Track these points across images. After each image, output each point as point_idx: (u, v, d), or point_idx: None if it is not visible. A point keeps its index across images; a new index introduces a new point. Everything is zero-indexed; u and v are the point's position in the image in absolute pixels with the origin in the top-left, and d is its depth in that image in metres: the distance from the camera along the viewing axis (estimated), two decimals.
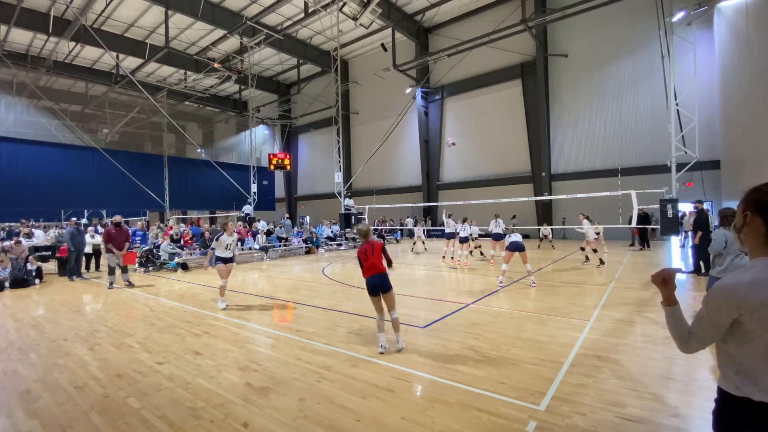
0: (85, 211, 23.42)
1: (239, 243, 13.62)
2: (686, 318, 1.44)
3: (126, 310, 6.80)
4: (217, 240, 6.73)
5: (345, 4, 15.61)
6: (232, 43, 21.58)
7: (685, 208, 13.80)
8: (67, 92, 28.51)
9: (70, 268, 10.46)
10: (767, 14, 11.35)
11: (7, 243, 10.31)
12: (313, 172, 32.14)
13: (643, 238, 14.42)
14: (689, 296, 6.88)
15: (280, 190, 31.63)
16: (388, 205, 22.04)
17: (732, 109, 14.12)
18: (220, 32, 20.71)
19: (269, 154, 22.66)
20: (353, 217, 18.28)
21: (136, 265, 12.14)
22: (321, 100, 28.12)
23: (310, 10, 18.23)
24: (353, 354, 4.25)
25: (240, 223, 17.16)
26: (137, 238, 15.68)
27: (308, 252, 16.69)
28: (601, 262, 10.44)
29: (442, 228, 13.44)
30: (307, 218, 25.15)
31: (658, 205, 11.57)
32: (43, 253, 12.32)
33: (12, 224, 18.94)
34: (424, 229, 17.39)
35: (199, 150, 33.34)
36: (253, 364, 4.03)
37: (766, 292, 1.19)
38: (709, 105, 15.13)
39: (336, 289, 8.34)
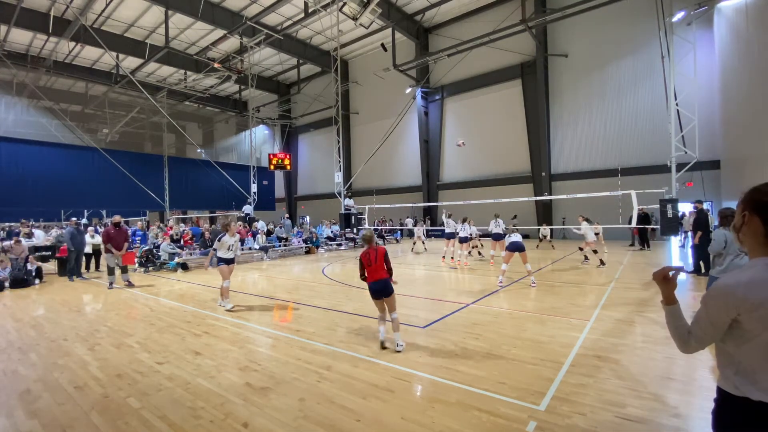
0: (85, 211, 23.42)
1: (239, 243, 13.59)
2: (686, 318, 1.44)
3: (126, 310, 6.80)
4: (219, 241, 6.68)
5: (345, 4, 15.61)
6: (232, 43, 21.58)
7: (685, 208, 13.80)
8: (67, 92, 28.51)
9: (70, 268, 10.46)
10: (767, 14, 11.36)
11: (7, 243, 10.31)
12: (313, 172, 32.14)
13: (643, 238, 14.42)
14: (689, 296, 6.88)
15: (280, 190, 31.63)
16: (388, 205, 22.05)
17: (732, 109, 14.12)
18: (220, 32, 20.71)
19: (269, 154, 22.66)
20: (353, 217, 18.28)
21: (136, 265, 12.14)
22: (321, 100, 28.13)
23: (310, 10, 18.23)
24: (353, 354, 4.25)
25: (240, 223, 17.16)
26: (137, 238, 15.70)
27: (308, 252, 16.69)
28: (602, 262, 10.43)
29: (442, 228, 13.45)
30: (307, 218, 25.15)
31: (658, 205, 11.57)
32: (43, 253, 12.32)
33: (12, 224, 18.95)
34: (423, 229, 17.40)
35: (199, 150, 33.33)
36: (253, 364, 4.03)
37: (764, 291, 1.19)
38: (709, 105, 15.13)
39: (336, 289, 8.34)
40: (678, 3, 13.89)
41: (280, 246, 16.08)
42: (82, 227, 12.43)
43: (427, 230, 17.67)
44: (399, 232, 23.01)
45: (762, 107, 11.55)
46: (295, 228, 20.06)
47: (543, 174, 20.00)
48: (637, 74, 17.58)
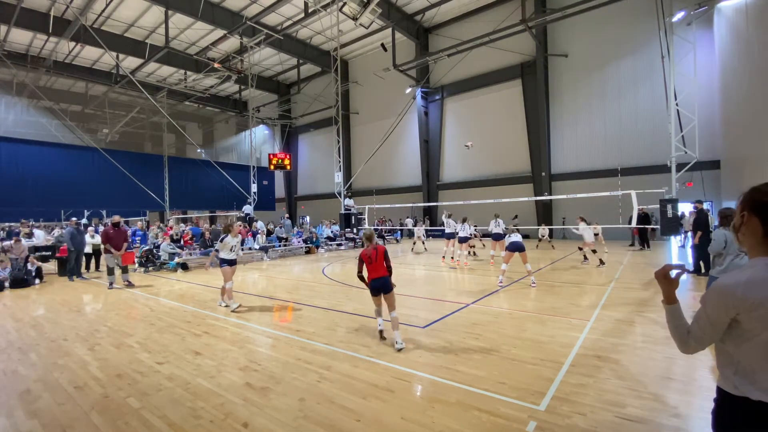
0: (85, 211, 23.41)
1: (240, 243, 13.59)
2: (687, 318, 1.44)
3: (126, 310, 6.80)
4: (221, 242, 6.64)
5: (345, 4, 15.61)
6: (232, 43, 21.58)
7: (685, 208, 13.79)
8: (67, 92, 28.50)
9: (70, 268, 10.46)
10: (767, 14, 11.36)
11: (7, 243, 10.31)
12: (313, 172, 32.14)
13: (643, 238, 14.42)
14: (689, 296, 6.88)
15: (280, 190, 31.63)
16: (388, 205, 22.05)
17: (732, 109, 14.12)
18: (220, 32, 20.71)
19: (269, 154, 22.66)
20: (353, 217, 18.28)
21: (136, 265, 12.15)
22: (321, 100, 28.13)
23: (310, 10, 18.23)
24: (353, 354, 4.25)
25: (240, 223, 17.17)
26: (137, 238, 15.69)
27: (308, 252, 16.69)
28: (601, 262, 10.46)
29: (441, 228, 13.45)
30: (307, 218, 25.16)
31: (658, 205, 11.57)
32: (43, 253, 12.33)
33: (12, 224, 18.95)
34: (424, 229, 17.39)
35: (199, 150, 33.34)
36: (253, 364, 4.03)
37: (763, 291, 1.19)
38: (709, 105, 15.13)
39: (336, 289, 8.34)
40: (678, 3, 13.89)
41: (280, 246, 16.08)
42: (82, 227, 12.43)
43: (426, 230, 17.67)
44: (399, 232, 23.01)
45: (762, 107, 11.54)
46: (295, 228, 20.06)
47: (543, 174, 20.00)
48: (637, 74, 17.58)
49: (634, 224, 11.28)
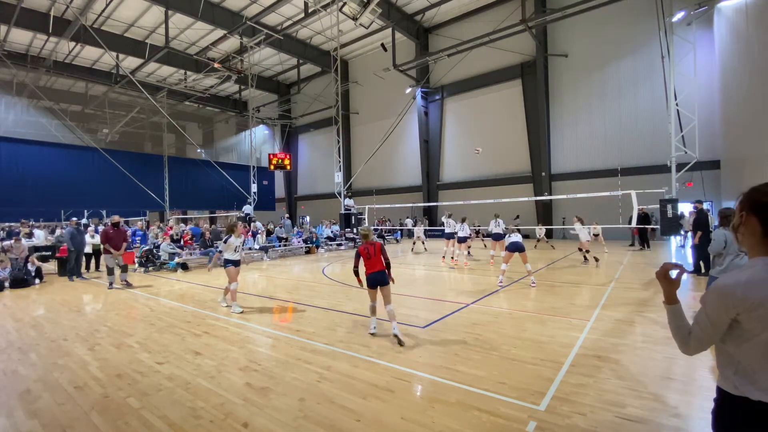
0: (85, 211, 23.42)
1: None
2: (688, 319, 1.44)
3: (126, 310, 6.80)
4: (225, 243, 6.56)
5: (345, 4, 15.61)
6: (232, 43, 21.59)
7: (685, 208, 13.79)
8: (67, 92, 28.51)
9: (70, 268, 10.46)
10: (767, 14, 11.36)
11: (7, 243, 10.31)
12: (313, 172, 32.14)
13: (643, 238, 14.42)
14: (689, 296, 6.88)
15: (280, 190, 31.63)
16: (388, 205, 22.05)
17: (732, 109, 14.12)
18: (220, 32, 20.71)
19: (269, 154, 22.65)
20: (353, 217, 18.28)
21: (136, 265, 12.15)
22: (321, 100, 28.13)
23: (310, 10, 18.23)
24: (353, 354, 4.25)
25: (241, 223, 17.15)
26: (137, 238, 15.69)
27: (308, 252, 16.69)
28: (595, 259, 10.71)
29: (440, 228, 13.44)
30: (307, 218, 25.15)
31: (658, 205, 11.57)
32: (43, 253, 12.33)
33: (12, 224, 18.94)
34: (424, 229, 17.39)
35: (199, 150, 33.34)
36: (253, 364, 4.03)
37: (763, 291, 1.19)
38: (709, 105, 15.13)
39: (336, 289, 8.34)
40: (678, 3, 13.89)
41: (280, 246, 16.08)
42: (82, 227, 12.43)
43: (425, 230, 17.67)
44: (399, 232, 23.01)
45: (762, 107, 11.54)
46: (295, 228, 20.05)
47: (543, 174, 20.00)
48: (637, 74, 17.58)
49: (634, 224, 11.29)
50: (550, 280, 8.59)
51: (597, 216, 15.31)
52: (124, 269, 9.14)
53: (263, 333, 5.21)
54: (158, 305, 7.09)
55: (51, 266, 12.45)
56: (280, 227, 17.40)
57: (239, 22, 18.83)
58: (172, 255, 12.18)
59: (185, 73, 25.49)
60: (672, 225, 11.33)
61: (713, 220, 9.82)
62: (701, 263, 8.77)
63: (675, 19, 13.03)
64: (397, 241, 22.24)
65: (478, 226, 18.49)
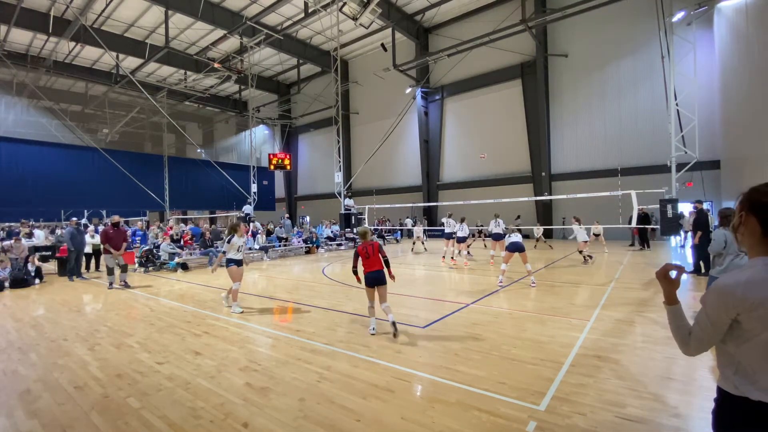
0: (85, 211, 23.42)
1: None
2: (689, 319, 1.44)
3: (126, 310, 6.80)
4: (229, 242, 6.49)
5: (345, 4, 15.61)
6: (232, 43, 21.58)
7: (685, 208, 13.79)
8: (67, 92, 28.51)
9: (70, 268, 10.46)
10: (767, 14, 11.36)
11: (7, 243, 10.32)
12: (313, 172, 32.14)
13: (643, 238, 14.42)
14: (689, 296, 6.88)
15: (280, 190, 31.63)
16: (388, 205, 22.05)
17: (732, 109, 14.12)
18: (220, 32, 20.71)
19: (269, 154, 22.65)
20: (353, 217, 18.28)
21: (136, 265, 12.15)
22: (321, 100, 28.13)
23: (310, 10, 18.23)
24: (353, 354, 4.25)
25: (242, 222, 17.15)
26: (137, 238, 15.69)
27: (308, 252, 16.69)
28: (589, 257, 11.00)
29: (440, 228, 13.44)
30: (307, 218, 25.14)
31: (658, 205, 11.58)
32: (43, 253, 12.33)
33: (12, 224, 18.94)
34: (423, 229, 17.39)
35: (199, 150, 33.34)
36: (253, 364, 4.03)
37: (763, 291, 1.19)
38: (709, 105, 15.13)
39: (336, 289, 8.34)
40: (678, 3, 13.89)
41: (280, 246, 16.08)
42: (82, 227, 12.43)
43: (424, 230, 17.68)
44: (399, 232, 23.01)
45: (762, 107, 11.54)
46: (295, 228, 20.05)
47: (543, 174, 20.00)
48: (637, 74, 17.58)
49: (634, 224, 11.29)
50: (550, 280, 8.59)
51: (597, 216, 15.29)
52: (123, 269, 9.11)
53: (263, 333, 5.21)
54: (158, 305, 7.09)
55: (51, 266, 12.46)
56: (280, 227, 17.40)
57: (239, 22, 18.83)
58: (172, 255, 12.18)
59: (185, 73, 25.49)
60: (672, 225, 11.33)
61: (713, 220, 9.82)
62: (701, 263, 8.77)
63: (675, 19, 13.03)
64: (397, 241, 22.24)
65: (481, 225, 18.52)
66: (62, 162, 18.11)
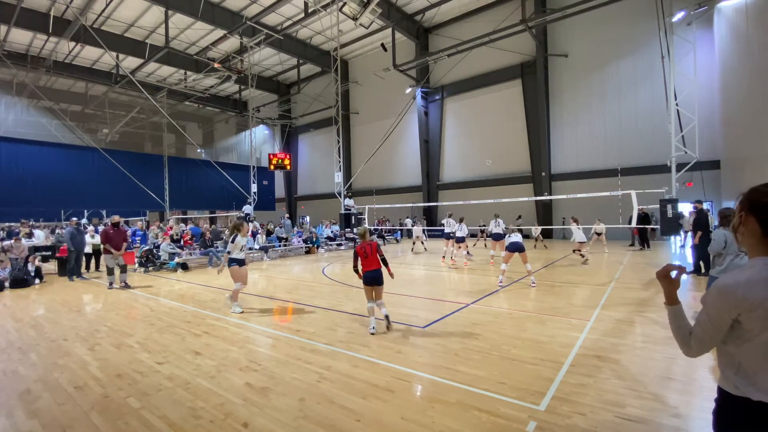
0: (85, 211, 23.42)
1: None
2: (689, 320, 1.43)
3: (126, 310, 6.80)
4: (233, 242, 6.44)
5: (345, 4, 15.61)
6: (232, 43, 21.58)
7: (685, 208, 13.78)
8: (67, 92, 28.51)
9: (70, 268, 10.46)
10: (767, 14, 11.36)
11: (7, 243, 10.31)
12: (313, 172, 32.14)
13: (643, 238, 14.42)
14: (689, 296, 6.88)
15: (280, 190, 31.64)
16: (388, 205, 22.05)
17: (732, 109, 14.12)
18: (220, 32, 20.71)
19: (269, 154, 22.65)
20: (353, 217, 18.28)
21: (136, 265, 12.15)
22: (321, 100, 28.13)
23: (310, 10, 18.23)
24: (353, 354, 4.25)
25: (245, 222, 17.12)
26: (137, 238, 15.69)
27: (308, 252, 16.69)
28: (581, 256, 11.20)
29: (439, 228, 13.44)
30: (307, 218, 25.14)
31: (658, 205, 11.57)
32: (43, 253, 12.33)
33: (12, 224, 18.95)
34: (423, 229, 17.38)
35: (199, 150, 33.34)
36: (253, 364, 4.03)
37: (763, 291, 1.19)
38: (709, 105, 15.13)
39: (336, 289, 8.34)
40: (678, 3, 13.89)
41: (280, 246, 16.08)
42: (82, 227, 12.43)
43: (423, 230, 17.67)
44: (399, 232, 23.01)
45: (762, 107, 11.55)
46: (295, 228, 20.05)
47: (543, 174, 20.00)
48: (637, 74, 17.58)
49: (634, 224, 11.29)
50: (550, 280, 8.59)
51: (597, 216, 15.26)
52: (123, 269, 9.05)
53: (263, 333, 5.21)
54: (158, 305, 7.09)
55: (51, 266, 12.46)
56: (280, 227, 17.40)
57: (239, 22, 18.82)
58: (172, 255, 12.18)
59: (185, 73, 25.49)
60: (672, 225, 11.33)
61: (713, 220, 9.82)
62: (701, 263, 8.76)
63: (675, 19, 13.03)
64: (397, 241, 22.24)
65: (483, 225, 18.55)
66: (62, 162, 18.11)
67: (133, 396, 3.37)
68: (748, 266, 1.29)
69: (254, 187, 21.16)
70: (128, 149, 26.31)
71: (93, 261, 12.04)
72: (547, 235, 19.53)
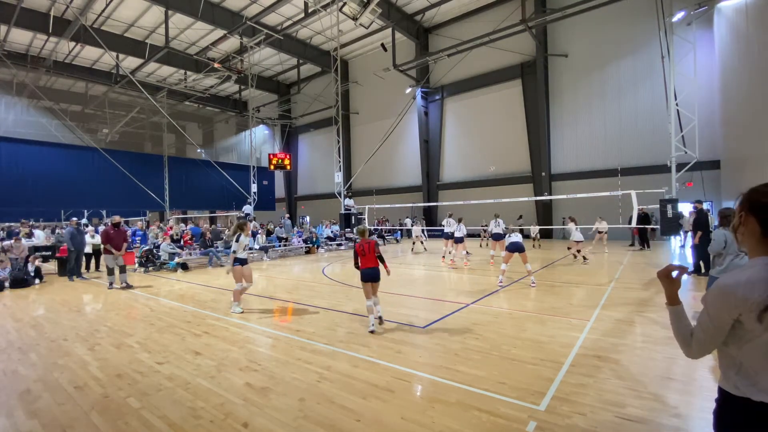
0: (85, 211, 23.42)
1: None
2: (690, 320, 1.43)
3: (126, 310, 6.80)
4: (237, 242, 6.42)
5: (345, 4, 15.61)
6: (232, 43, 21.58)
7: (685, 208, 13.77)
8: (67, 92, 28.51)
9: (70, 268, 10.46)
10: (767, 14, 11.36)
11: (7, 243, 10.31)
12: (313, 172, 32.14)
13: (643, 238, 14.42)
14: (689, 296, 6.87)
15: (280, 190, 31.63)
16: (388, 205, 22.05)
17: (732, 109, 14.12)
18: (220, 32, 20.71)
19: (269, 154, 22.64)
20: (353, 217, 18.28)
21: (136, 265, 12.15)
22: (321, 100, 28.13)
23: (310, 10, 18.23)
24: (353, 354, 4.25)
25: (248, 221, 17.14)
26: (137, 238, 15.69)
27: (308, 252, 16.69)
28: (574, 256, 11.37)
29: (438, 228, 13.44)
30: (307, 218, 25.13)
31: (658, 205, 11.57)
32: (43, 253, 12.33)
33: (12, 224, 18.95)
34: (423, 229, 17.38)
35: (199, 150, 33.34)
36: (253, 364, 4.03)
37: (764, 290, 1.19)
38: (709, 105, 15.13)
39: (336, 289, 8.34)
40: (678, 3, 13.89)
41: (280, 246, 16.08)
42: (82, 227, 12.43)
43: (422, 230, 17.67)
44: (399, 232, 23.01)
45: (762, 107, 11.55)
46: (295, 228, 20.05)
47: (543, 174, 20.00)
48: (637, 74, 17.58)
49: (634, 224, 11.29)
50: (550, 280, 8.59)
51: (598, 215, 15.23)
52: (122, 270, 9.01)
53: (263, 333, 5.21)
54: (158, 305, 7.09)
55: (51, 266, 12.46)
56: (280, 227, 17.40)
57: (239, 22, 18.82)
58: (172, 255, 12.18)
59: (185, 73, 25.49)
60: (672, 225, 11.33)
61: (713, 220, 9.82)
62: (701, 263, 8.76)
63: (675, 19, 13.03)
64: (397, 241, 22.23)
65: (485, 225, 18.55)
66: (62, 162, 18.11)
67: (133, 396, 3.36)
68: (748, 266, 1.28)
69: (254, 187, 21.15)
70: (128, 149, 26.31)
71: (93, 261, 12.04)
72: (547, 235, 19.54)
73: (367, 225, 17.48)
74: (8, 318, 6.39)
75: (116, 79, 23.23)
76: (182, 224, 18.93)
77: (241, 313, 6.28)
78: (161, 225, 19.23)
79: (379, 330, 5.04)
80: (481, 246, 16.62)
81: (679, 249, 14.87)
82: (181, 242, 13.52)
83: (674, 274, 1.45)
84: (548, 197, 18.47)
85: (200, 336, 5.09)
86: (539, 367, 3.76)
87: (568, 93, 19.65)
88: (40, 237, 13.34)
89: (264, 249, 14.71)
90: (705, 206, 9.32)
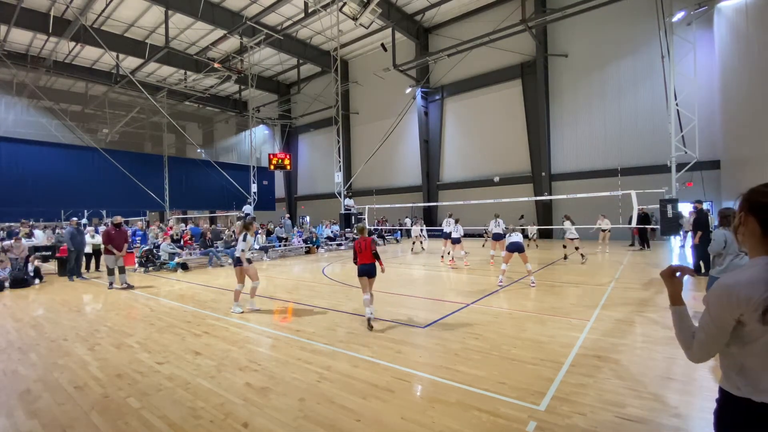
0: (85, 211, 23.41)
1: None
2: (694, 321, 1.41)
3: (126, 310, 6.80)
4: (245, 241, 6.41)
5: (345, 4, 15.60)
6: (232, 43, 21.58)
7: (685, 208, 13.77)
8: (67, 92, 28.50)
9: (70, 268, 10.46)
10: (767, 14, 11.35)
11: (7, 243, 10.31)
12: (313, 172, 32.14)
13: (643, 238, 14.42)
14: (689, 296, 6.86)
15: (280, 190, 31.63)
16: (388, 205, 22.05)
17: (732, 109, 14.11)
18: (220, 32, 20.71)
19: (269, 154, 22.64)
20: (353, 217, 18.27)
21: (136, 265, 12.14)
22: (321, 100, 28.13)
23: (310, 10, 18.23)
24: (353, 354, 4.25)
25: (239, 223, 17.13)
26: (137, 238, 15.68)
27: (308, 252, 16.69)
28: (565, 257, 11.56)
29: (437, 228, 13.44)
30: (307, 218, 25.13)
31: (658, 205, 11.57)
32: (43, 253, 12.33)
33: (12, 224, 18.94)
34: (422, 229, 17.38)
35: (199, 150, 33.34)
36: (253, 364, 4.03)
37: (765, 290, 1.19)
38: (709, 105, 15.13)
39: (336, 289, 8.34)
40: (678, 3, 13.89)
41: (280, 246, 16.08)
42: (82, 227, 12.43)
43: (421, 229, 17.67)
44: (399, 232, 23.01)
45: (762, 107, 11.54)
46: (295, 228, 20.05)
47: (543, 174, 20.00)
48: (637, 74, 17.58)
49: (634, 224, 11.28)
50: (550, 280, 8.59)
51: (597, 216, 15.23)
52: (121, 271, 8.97)
53: (263, 333, 5.21)
54: (158, 305, 7.09)
55: (51, 266, 12.45)
56: (280, 227, 17.40)
57: (239, 22, 18.82)
58: (172, 255, 12.18)
59: (185, 73, 25.48)
60: (672, 225, 11.32)
61: (713, 220, 9.82)
62: (701, 263, 8.76)
63: (675, 19, 13.02)
64: (397, 241, 22.23)
65: (486, 226, 18.56)
66: (62, 162, 18.10)
67: (133, 396, 3.37)
68: (748, 266, 1.28)
69: (254, 187, 21.14)
70: (128, 149, 26.30)
71: (93, 261, 12.04)
72: (547, 235, 19.55)
73: (367, 225, 17.50)
74: (8, 318, 6.39)
75: (116, 79, 23.22)
76: (182, 224, 18.94)
77: (242, 313, 6.28)
78: (161, 225, 19.24)
79: (380, 330, 5.03)
80: (483, 246, 16.61)
81: (679, 249, 14.87)
82: (181, 242, 13.52)
83: (677, 274, 1.44)
84: (548, 197, 18.46)
85: (200, 336, 5.09)
86: (539, 367, 3.76)
87: (568, 93, 19.65)
88: (40, 237, 13.34)
89: (264, 249, 14.71)
90: (705, 206, 9.32)
